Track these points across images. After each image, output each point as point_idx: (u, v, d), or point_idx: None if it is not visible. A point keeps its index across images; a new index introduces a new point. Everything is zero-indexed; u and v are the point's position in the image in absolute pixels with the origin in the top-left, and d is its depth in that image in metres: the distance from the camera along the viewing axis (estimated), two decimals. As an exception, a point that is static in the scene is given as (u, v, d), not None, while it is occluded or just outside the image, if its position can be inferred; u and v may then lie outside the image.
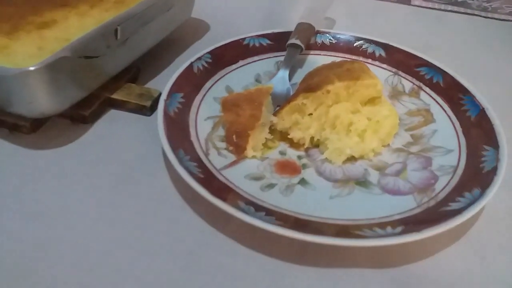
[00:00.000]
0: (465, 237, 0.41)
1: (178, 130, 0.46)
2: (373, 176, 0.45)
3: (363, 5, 0.81)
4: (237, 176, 0.43)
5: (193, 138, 0.46)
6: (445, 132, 0.50)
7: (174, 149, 0.42)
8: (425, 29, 0.74)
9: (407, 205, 0.42)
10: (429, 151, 0.48)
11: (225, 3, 0.78)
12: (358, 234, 0.36)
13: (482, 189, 0.40)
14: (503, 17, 0.80)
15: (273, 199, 0.41)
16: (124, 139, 0.50)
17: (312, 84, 0.46)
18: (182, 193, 0.43)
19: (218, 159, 0.45)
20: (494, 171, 0.42)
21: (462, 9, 0.81)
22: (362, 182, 0.44)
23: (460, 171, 0.45)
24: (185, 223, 0.41)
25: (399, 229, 0.37)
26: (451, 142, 0.48)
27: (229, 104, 0.47)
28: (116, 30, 0.49)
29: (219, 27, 0.71)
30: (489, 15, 0.80)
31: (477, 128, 0.48)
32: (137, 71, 0.58)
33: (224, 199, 0.38)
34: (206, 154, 0.45)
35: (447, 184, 0.43)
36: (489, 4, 0.85)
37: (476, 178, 0.43)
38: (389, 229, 0.37)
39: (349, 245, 0.36)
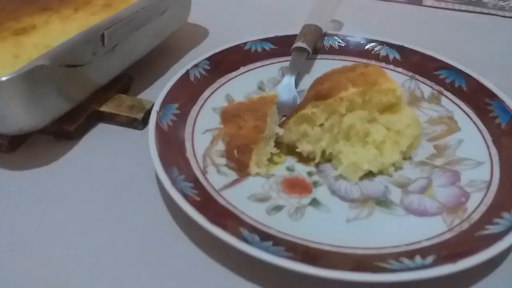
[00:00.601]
0: (504, 266, 0.35)
1: (172, 146, 0.41)
2: (395, 194, 0.40)
3: (371, 6, 0.76)
4: (239, 197, 0.38)
5: (189, 154, 0.41)
6: (472, 142, 0.45)
7: (167, 168, 0.37)
8: (439, 30, 0.70)
9: (436, 228, 0.36)
10: (456, 164, 0.43)
11: (225, 7, 0.74)
12: (383, 267, 0.31)
13: None
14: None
15: (282, 224, 0.36)
16: (114, 156, 0.45)
17: (322, 91, 0.41)
18: (177, 219, 0.38)
19: (217, 178, 0.39)
20: (535, 186, 0.37)
21: (477, 9, 0.77)
22: (382, 202, 0.39)
23: (494, 187, 0.39)
24: (179, 253, 0.36)
25: (430, 258, 0.32)
26: (480, 153, 0.43)
27: (230, 115, 0.41)
28: (102, 36, 0.44)
29: (219, 32, 0.66)
30: (507, 14, 0.76)
31: (510, 137, 0.43)
32: (129, 80, 0.53)
33: (223, 226, 0.32)
34: (204, 173, 0.39)
35: (480, 203, 0.38)
36: (506, 3, 0.80)
37: (514, 195, 0.37)
38: (418, 259, 0.32)
39: (374, 281, 0.30)
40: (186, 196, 0.35)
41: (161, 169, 0.37)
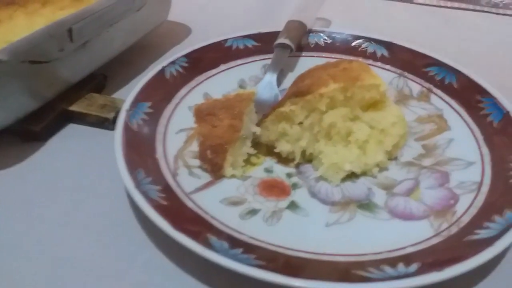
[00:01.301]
0: (496, 273, 0.33)
1: (140, 146, 0.38)
2: (379, 197, 0.37)
3: (361, 4, 0.74)
4: (211, 201, 0.35)
5: (159, 155, 0.38)
6: (463, 141, 0.42)
7: (132, 170, 0.34)
8: (430, 28, 0.67)
9: (422, 233, 0.33)
10: (445, 165, 0.40)
11: (208, 5, 0.71)
12: (362, 275, 0.28)
13: None
14: (519, 13, 0.73)
15: (255, 230, 0.33)
16: (82, 158, 0.42)
17: (301, 87, 0.38)
18: (144, 225, 0.35)
19: (189, 181, 0.37)
20: (529, 187, 0.34)
21: (470, 6, 0.74)
22: (365, 205, 0.36)
23: (485, 188, 0.37)
24: (145, 262, 0.33)
25: (414, 266, 0.29)
26: (471, 153, 0.41)
27: (204, 113, 0.39)
28: (70, 31, 0.42)
29: (202, 30, 0.64)
30: (501, 11, 0.73)
31: (502, 135, 0.41)
32: (103, 79, 0.51)
33: (188, 232, 0.30)
34: (174, 175, 0.37)
35: (470, 205, 0.35)
36: (499, 0, 0.78)
37: (506, 197, 0.35)
38: (401, 267, 0.29)
39: (350, 291, 0.28)
40: (150, 200, 0.32)
41: (125, 171, 0.34)
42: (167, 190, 0.34)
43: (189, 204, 0.34)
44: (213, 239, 0.30)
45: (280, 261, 0.30)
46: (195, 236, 0.30)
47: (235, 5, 0.72)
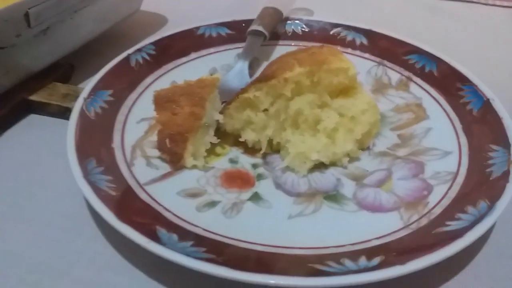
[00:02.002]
0: (470, 268, 0.31)
1: (96, 135, 0.36)
2: (348, 188, 0.35)
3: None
4: (167, 192, 0.33)
5: (115, 144, 0.36)
6: (441, 131, 0.40)
7: (83, 158, 0.32)
8: (418, 19, 0.65)
9: (390, 225, 0.31)
10: (420, 154, 0.38)
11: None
12: (319, 269, 0.26)
13: (491, 201, 0.31)
14: (505, 3, 0.71)
15: (211, 223, 0.31)
16: (40, 150, 0.40)
17: (266, 72, 0.36)
18: (96, 219, 0.33)
19: (145, 171, 0.35)
20: (505, 176, 0.32)
21: (458, -4, 0.72)
22: (332, 196, 0.34)
23: (460, 179, 0.35)
24: (93, 257, 0.31)
25: (376, 260, 0.27)
26: (449, 142, 0.39)
27: (163, 100, 0.37)
28: (27, 15, 0.40)
29: (179, 21, 0.61)
30: (490, 2, 0.71)
31: (481, 124, 0.39)
32: (70, 69, 0.49)
33: (135, 224, 0.28)
34: (130, 165, 0.35)
35: (444, 196, 0.33)
36: (488, -9, 0.76)
37: (482, 187, 0.33)
38: (362, 260, 0.27)
39: (302, 286, 0.25)
40: (97, 190, 0.30)
41: (75, 160, 0.32)
42: (119, 180, 0.32)
43: (142, 195, 0.32)
44: (161, 231, 0.28)
45: (230, 254, 0.27)
46: (140, 227, 0.28)
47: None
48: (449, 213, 0.31)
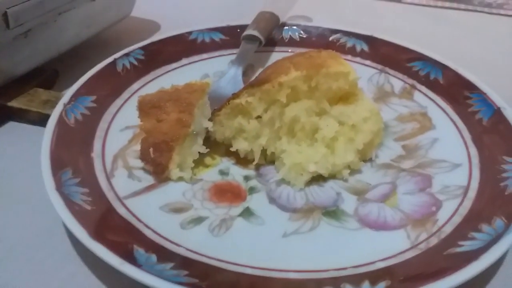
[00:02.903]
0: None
1: (74, 143, 0.33)
2: (349, 203, 0.32)
3: (346, 2, 0.70)
4: (148, 207, 0.30)
5: (95, 153, 0.33)
6: (448, 141, 0.37)
7: (57, 168, 0.30)
8: (420, 27, 0.63)
9: (396, 245, 0.28)
10: (427, 167, 0.35)
11: (180, 1, 0.67)
12: (316, 296, 0.23)
13: (508, 219, 0.29)
14: (510, 13, 0.69)
15: (196, 242, 0.28)
16: (17, 159, 0.37)
17: (260, 76, 0.33)
18: (72, 236, 0.30)
19: (126, 183, 0.32)
20: (523, 191, 0.29)
21: (462, 6, 0.70)
22: (332, 212, 0.31)
23: (472, 194, 0.32)
24: (67, 277, 0.28)
25: (381, 286, 0.24)
26: (457, 154, 0.36)
27: (148, 106, 0.34)
28: (5, 15, 0.37)
29: (172, 27, 0.59)
30: (494, 11, 0.69)
31: (493, 134, 0.36)
32: (54, 74, 0.46)
33: (109, 243, 0.25)
34: (109, 177, 0.32)
35: (454, 213, 0.30)
36: (493, 0, 0.74)
37: (496, 202, 0.30)
38: (366, 286, 0.24)
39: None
40: (70, 204, 0.27)
41: (48, 170, 0.29)
42: (95, 193, 0.29)
43: (120, 210, 0.29)
44: (139, 251, 0.25)
45: (217, 278, 0.24)
46: (116, 247, 0.24)
47: (208, 2, 0.67)
48: (461, 231, 0.28)
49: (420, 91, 0.43)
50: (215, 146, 0.36)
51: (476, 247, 0.26)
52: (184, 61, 0.46)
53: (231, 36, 0.49)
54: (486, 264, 0.25)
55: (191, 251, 0.27)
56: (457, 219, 0.29)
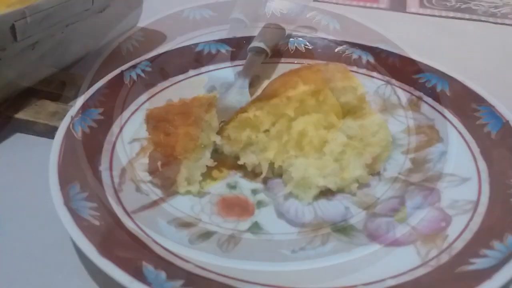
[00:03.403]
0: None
1: (82, 157, 0.33)
2: (358, 218, 0.32)
3: (350, 12, 0.70)
4: (157, 221, 0.30)
5: (103, 167, 0.33)
6: (457, 155, 0.37)
7: (65, 183, 0.29)
8: (425, 37, 0.63)
9: (407, 261, 0.28)
10: (436, 181, 0.35)
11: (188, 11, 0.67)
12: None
13: None
14: (516, 22, 0.69)
15: (205, 258, 0.28)
16: (24, 171, 0.38)
17: (267, 90, 0.33)
18: (79, 249, 0.30)
19: (134, 197, 0.32)
20: (535, 207, 0.29)
21: (466, 15, 0.70)
22: (341, 227, 0.31)
23: (482, 209, 0.31)
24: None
25: (393, 305, 0.24)
26: (466, 167, 0.36)
27: (156, 120, 0.34)
28: (13, 28, 0.38)
29: (179, 38, 0.59)
30: (499, 20, 0.69)
31: (501, 148, 0.36)
32: (61, 85, 0.46)
33: (118, 260, 0.24)
34: (118, 191, 0.32)
35: (465, 228, 0.30)
36: (497, 10, 0.74)
37: (508, 218, 0.30)
38: (377, 305, 0.24)
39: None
40: (78, 219, 0.27)
41: (56, 184, 0.29)
42: (104, 208, 0.29)
43: (129, 225, 0.29)
44: (148, 268, 0.25)
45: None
46: (124, 264, 0.24)
47: (216, 15, 0.68)
48: (472, 248, 0.28)
49: (427, 103, 0.43)
50: (222, 159, 0.36)
51: (488, 265, 0.26)
52: (191, 72, 0.46)
53: (237, 48, 0.49)
54: (500, 283, 0.24)
55: (200, 267, 0.26)
56: (468, 235, 0.29)
